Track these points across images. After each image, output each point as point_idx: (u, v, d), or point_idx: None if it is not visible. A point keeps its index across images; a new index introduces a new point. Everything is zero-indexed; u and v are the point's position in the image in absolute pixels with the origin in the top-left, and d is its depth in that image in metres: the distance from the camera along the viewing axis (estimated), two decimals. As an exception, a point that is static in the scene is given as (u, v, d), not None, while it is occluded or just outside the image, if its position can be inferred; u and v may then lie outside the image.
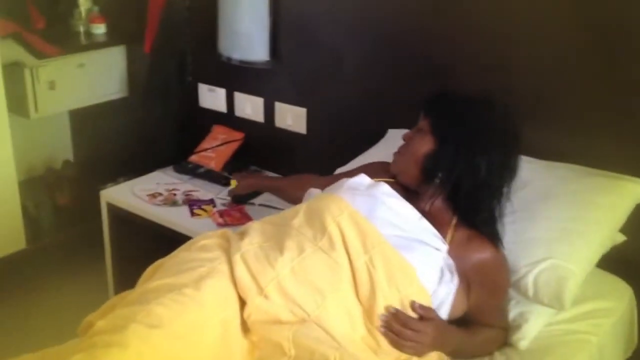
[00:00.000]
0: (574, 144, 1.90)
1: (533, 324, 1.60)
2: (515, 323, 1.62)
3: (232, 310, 1.38)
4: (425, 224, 1.54)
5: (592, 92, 1.86)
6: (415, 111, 1.68)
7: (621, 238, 1.84)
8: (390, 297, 1.40)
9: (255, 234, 1.52)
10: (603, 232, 1.68)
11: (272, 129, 2.57)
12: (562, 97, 1.90)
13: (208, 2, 2.49)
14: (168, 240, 2.22)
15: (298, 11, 2.38)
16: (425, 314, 1.41)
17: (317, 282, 1.40)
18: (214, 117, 2.73)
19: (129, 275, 2.40)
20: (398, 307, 1.40)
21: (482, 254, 1.54)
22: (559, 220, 1.65)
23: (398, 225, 1.51)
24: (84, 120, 3.15)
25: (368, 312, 1.40)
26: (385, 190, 1.58)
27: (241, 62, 2.48)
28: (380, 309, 1.39)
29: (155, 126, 2.92)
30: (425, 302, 1.43)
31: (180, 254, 1.53)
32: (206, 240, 1.55)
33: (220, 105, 2.71)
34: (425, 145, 1.56)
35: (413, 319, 1.40)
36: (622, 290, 1.83)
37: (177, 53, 2.73)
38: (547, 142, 1.88)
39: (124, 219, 2.42)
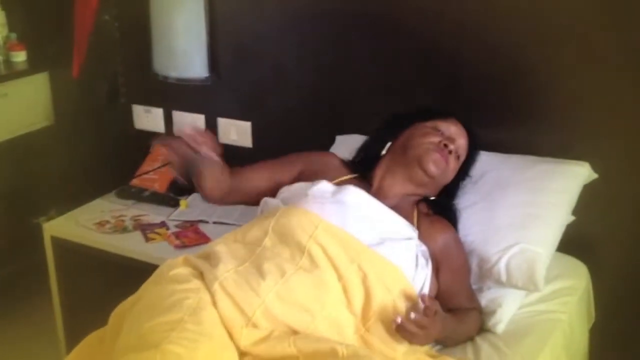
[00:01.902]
0: (519, 136, 2.00)
1: (506, 308, 1.67)
2: (489, 309, 1.68)
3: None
4: (395, 217, 1.57)
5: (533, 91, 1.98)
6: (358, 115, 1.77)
7: (571, 218, 1.95)
8: (384, 299, 1.42)
9: (226, 258, 1.44)
10: (560, 213, 1.78)
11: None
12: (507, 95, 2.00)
13: (139, 21, 2.45)
14: (120, 269, 2.17)
15: (235, 25, 2.38)
16: (432, 306, 1.43)
17: (304, 303, 1.37)
18: (152, 139, 2.66)
19: (78, 309, 2.34)
20: (390, 306, 1.42)
21: (446, 234, 1.64)
22: (519, 206, 1.74)
23: (372, 227, 1.53)
24: (10, 153, 2.99)
25: (363, 319, 1.41)
26: (352, 193, 1.58)
27: (178, 79, 2.45)
28: (375, 314, 1.41)
29: (88, 153, 2.82)
30: (412, 296, 1.47)
31: (154, 289, 1.42)
32: (174, 270, 1.45)
33: (158, 126, 2.66)
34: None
35: (423, 318, 1.40)
36: (579, 268, 1.94)
37: (109, 75, 2.65)
38: (496, 135, 1.97)
39: (70, 251, 2.32)
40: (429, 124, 1.68)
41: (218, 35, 2.40)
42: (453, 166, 1.67)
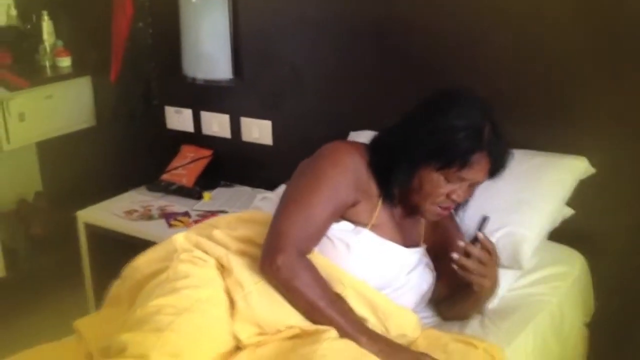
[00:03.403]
0: (521, 132, 2.08)
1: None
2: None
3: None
4: (412, 253, 1.63)
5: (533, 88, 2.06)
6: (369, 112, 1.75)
7: (570, 212, 2.01)
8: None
9: (245, 271, 1.50)
10: (551, 202, 1.85)
11: (240, 143, 2.70)
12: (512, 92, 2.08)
13: (171, 27, 2.63)
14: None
15: (258, 30, 2.54)
16: (488, 243, 1.51)
17: None
18: (182, 138, 2.85)
19: (108, 288, 2.50)
20: None
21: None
22: (511, 193, 1.82)
23: (391, 275, 1.58)
24: (53, 151, 3.22)
25: None
26: (368, 238, 1.56)
27: (206, 81, 2.62)
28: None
29: (124, 152, 3.02)
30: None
31: (167, 266, 1.53)
32: (185, 254, 1.54)
33: (188, 126, 2.83)
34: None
35: (481, 251, 1.49)
36: (575, 257, 1.99)
37: (143, 79, 2.84)
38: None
39: (101, 237, 2.50)
40: (449, 173, 1.52)
41: (241, 40, 2.56)
42: (465, 198, 1.60)
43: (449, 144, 1.50)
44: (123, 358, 1.33)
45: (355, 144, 1.65)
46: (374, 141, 1.65)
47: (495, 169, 1.56)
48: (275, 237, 1.49)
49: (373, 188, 1.59)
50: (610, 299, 2.05)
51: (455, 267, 1.51)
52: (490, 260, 1.51)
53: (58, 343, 1.61)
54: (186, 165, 2.75)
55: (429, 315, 1.73)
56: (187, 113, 2.81)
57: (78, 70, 3.01)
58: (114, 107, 2.97)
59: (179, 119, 2.85)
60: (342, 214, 1.56)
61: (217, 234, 1.59)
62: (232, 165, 2.75)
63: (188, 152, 2.82)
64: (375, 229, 1.57)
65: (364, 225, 1.57)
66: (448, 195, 1.54)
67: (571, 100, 2.02)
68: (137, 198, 2.66)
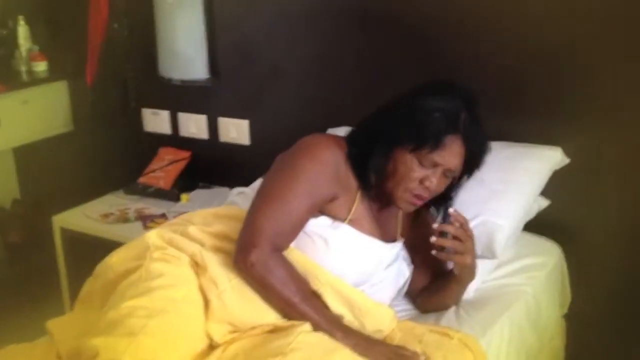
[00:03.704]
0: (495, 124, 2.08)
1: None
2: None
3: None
4: (388, 251, 1.61)
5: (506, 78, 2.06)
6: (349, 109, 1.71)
7: (546, 202, 2.02)
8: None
9: (219, 269, 1.47)
10: (526, 191, 1.87)
11: (217, 144, 2.68)
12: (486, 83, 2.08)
13: (146, 28, 2.62)
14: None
15: (234, 28, 2.53)
16: (460, 217, 1.53)
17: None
18: (160, 140, 2.83)
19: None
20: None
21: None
22: (485, 183, 1.80)
23: (369, 270, 1.57)
24: (30, 157, 3.19)
25: None
26: (347, 233, 1.54)
27: (182, 81, 2.61)
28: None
29: (102, 156, 2.99)
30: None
31: (139, 264, 1.49)
32: (158, 252, 1.51)
33: (165, 127, 2.81)
34: (442, 189, 1.56)
35: (456, 228, 1.51)
36: (551, 248, 2.00)
37: (119, 81, 2.83)
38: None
39: (77, 241, 2.47)
40: (422, 155, 1.49)
41: (218, 38, 2.56)
42: (439, 188, 1.55)
43: (423, 123, 1.49)
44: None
45: (334, 137, 1.62)
46: (352, 132, 1.64)
47: (470, 159, 1.54)
48: (249, 233, 1.47)
49: (351, 181, 1.56)
50: (587, 290, 2.06)
51: (434, 252, 1.50)
52: (465, 234, 1.51)
53: (30, 344, 1.58)
54: (164, 168, 2.73)
55: (405, 309, 1.72)
56: (164, 115, 2.80)
57: (54, 74, 2.99)
58: (91, 111, 2.96)
59: (155, 121, 2.83)
60: (320, 209, 1.54)
61: (192, 230, 1.57)
62: (210, 167, 2.73)
63: (166, 155, 2.79)
64: (353, 223, 1.55)
65: (342, 220, 1.55)
66: (421, 182, 1.50)
67: (545, 91, 2.02)
68: (114, 201, 2.63)
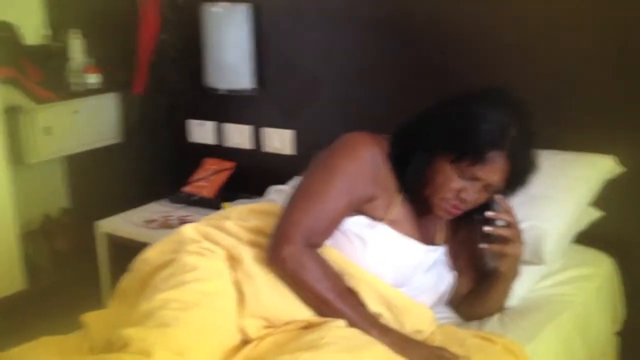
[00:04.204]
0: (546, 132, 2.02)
1: (519, 286, 1.66)
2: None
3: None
4: (428, 250, 1.56)
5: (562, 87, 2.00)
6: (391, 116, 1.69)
7: (598, 214, 1.93)
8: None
9: (255, 263, 1.45)
10: (575, 197, 1.79)
11: (261, 154, 2.68)
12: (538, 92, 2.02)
13: (194, 40, 2.66)
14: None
15: (278, 40, 2.55)
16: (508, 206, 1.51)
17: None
18: (205, 150, 2.84)
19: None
20: None
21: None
22: (533, 188, 1.72)
23: (407, 273, 1.52)
24: (79, 166, 3.25)
25: None
26: (385, 233, 1.50)
27: (228, 91, 2.63)
28: None
29: (148, 167, 3.02)
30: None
31: (175, 258, 1.48)
32: (192, 245, 1.49)
33: (209, 138, 2.83)
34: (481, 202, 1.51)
35: (506, 215, 1.48)
36: (602, 259, 1.91)
37: (167, 92, 2.86)
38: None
39: (121, 247, 2.49)
40: (462, 167, 1.44)
41: (263, 49, 2.57)
42: (478, 201, 1.49)
43: (467, 133, 1.43)
44: (125, 354, 1.28)
45: (375, 136, 1.58)
46: (396, 132, 1.59)
47: (514, 177, 1.47)
48: (283, 227, 1.45)
49: (391, 182, 1.52)
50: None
51: (483, 246, 1.47)
52: (515, 220, 1.49)
53: (64, 336, 1.57)
54: (208, 177, 2.75)
55: (447, 316, 1.66)
56: (209, 125, 2.81)
57: (106, 86, 3.05)
58: (139, 122, 3.00)
59: (201, 131, 2.85)
60: (358, 209, 1.51)
61: (229, 224, 1.56)
62: (253, 176, 2.72)
63: (210, 165, 2.81)
64: (391, 224, 1.51)
65: (380, 220, 1.51)
66: (458, 193, 1.45)
67: (597, 99, 1.96)
68: (158, 209, 2.65)
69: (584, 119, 1.98)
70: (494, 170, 1.43)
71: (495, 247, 1.49)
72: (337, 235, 1.49)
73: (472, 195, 1.45)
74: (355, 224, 1.50)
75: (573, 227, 1.79)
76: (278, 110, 2.61)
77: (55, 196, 3.25)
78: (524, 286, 1.69)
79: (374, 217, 1.51)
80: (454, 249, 1.65)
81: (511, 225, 1.48)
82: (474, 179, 1.44)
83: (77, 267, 2.95)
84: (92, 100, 3.01)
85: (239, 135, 2.73)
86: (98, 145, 3.06)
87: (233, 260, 1.47)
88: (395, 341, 1.37)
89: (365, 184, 1.49)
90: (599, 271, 1.85)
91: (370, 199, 1.50)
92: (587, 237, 1.93)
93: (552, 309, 1.64)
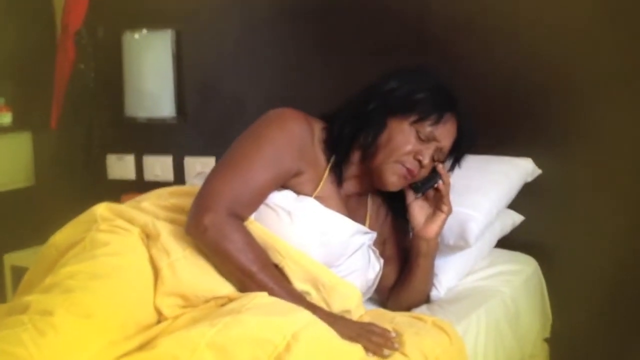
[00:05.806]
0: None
1: (442, 277, 1.66)
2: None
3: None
4: (357, 230, 1.50)
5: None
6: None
7: (520, 218, 1.96)
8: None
9: (172, 238, 1.36)
10: (498, 189, 1.80)
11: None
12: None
13: (115, 69, 2.62)
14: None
15: (200, 66, 2.54)
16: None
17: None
18: (123, 186, 2.73)
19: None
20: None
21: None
22: (456, 180, 1.74)
23: (335, 250, 1.46)
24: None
25: None
26: (340, 233, 1.46)
27: (148, 119, 2.58)
28: None
29: (62, 209, 2.83)
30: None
31: (85, 237, 1.38)
32: (105, 223, 1.40)
33: (129, 173, 2.74)
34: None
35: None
36: (527, 259, 1.92)
37: (84, 125, 2.77)
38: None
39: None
40: (423, 127, 1.47)
41: (184, 75, 2.55)
42: (425, 170, 1.51)
43: (429, 95, 1.48)
44: (23, 315, 1.16)
45: (304, 113, 1.54)
46: (334, 111, 1.57)
47: (458, 142, 1.53)
48: (205, 196, 1.38)
49: (319, 159, 1.50)
50: (568, 312, 1.95)
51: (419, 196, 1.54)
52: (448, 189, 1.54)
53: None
54: (126, 212, 2.63)
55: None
56: (129, 159, 2.73)
57: (17, 125, 2.93)
58: (54, 162, 2.88)
59: (120, 166, 2.76)
60: (284, 184, 1.46)
61: (145, 204, 1.48)
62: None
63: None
64: (319, 200, 1.47)
65: (307, 196, 1.46)
66: (415, 154, 1.46)
67: (523, 106, 2.00)
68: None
69: (503, 124, 2.01)
70: (448, 131, 1.50)
71: (439, 198, 1.53)
72: (263, 209, 1.42)
73: (427, 157, 1.47)
74: (283, 197, 1.44)
75: (495, 216, 1.79)
76: (200, 138, 2.56)
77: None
78: (448, 277, 1.67)
79: (300, 193, 1.46)
80: (381, 238, 1.62)
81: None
82: (431, 139, 1.47)
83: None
84: (4, 141, 2.89)
85: (159, 167, 2.66)
86: (9, 188, 2.91)
87: (149, 239, 1.38)
88: (323, 317, 1.29)
89: (292, 156, 1.45)
90: (525, 268, 1.85)
91: (297, 174, 1.46)
92: (511, 242, 1.94)
93: (482, 297, 1.62)
